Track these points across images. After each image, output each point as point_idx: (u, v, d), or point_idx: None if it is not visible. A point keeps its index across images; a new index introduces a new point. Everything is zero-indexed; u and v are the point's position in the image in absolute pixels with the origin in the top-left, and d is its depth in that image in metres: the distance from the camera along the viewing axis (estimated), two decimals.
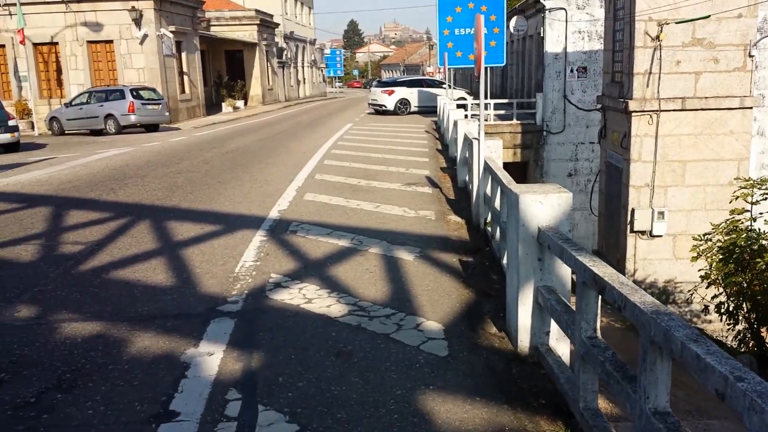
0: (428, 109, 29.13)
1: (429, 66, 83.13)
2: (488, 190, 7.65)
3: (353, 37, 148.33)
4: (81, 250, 6.86)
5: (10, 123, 17.37)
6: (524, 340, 4.32)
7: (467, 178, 10.95)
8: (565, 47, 23.78)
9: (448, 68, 25.50)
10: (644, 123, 15.37)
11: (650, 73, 15.18)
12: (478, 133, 7.74)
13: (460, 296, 5.44)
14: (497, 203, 6.97)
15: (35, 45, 27.11)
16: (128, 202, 9.53)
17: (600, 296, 3.24)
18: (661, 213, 15.58)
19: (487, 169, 7.50)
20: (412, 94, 30.13)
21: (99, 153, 16.30)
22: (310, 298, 5.32)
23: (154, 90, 24.76)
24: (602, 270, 3.17)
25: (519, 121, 24.42)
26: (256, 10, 42.26)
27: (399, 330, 4.63)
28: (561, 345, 4.24)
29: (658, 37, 15.04)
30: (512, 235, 4.43)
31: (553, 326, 4.19)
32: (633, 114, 15.25)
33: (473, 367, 4.10)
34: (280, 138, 19.72)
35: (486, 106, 25.71)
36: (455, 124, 13.99)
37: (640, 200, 15.72)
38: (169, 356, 4.23)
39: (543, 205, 4.18)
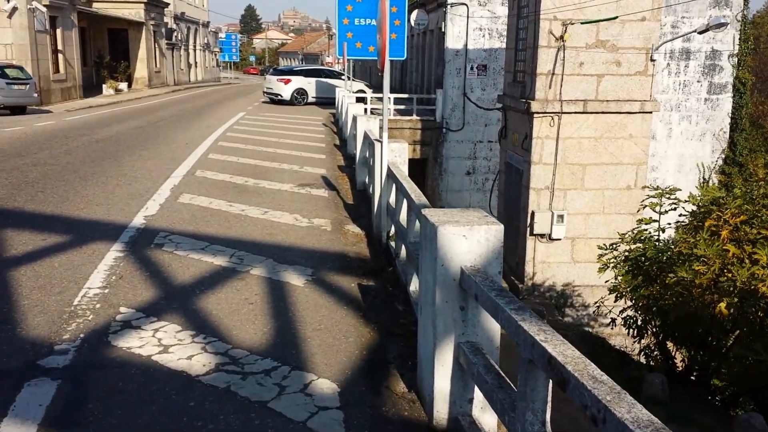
0: (326, 101, 28.00)
1: (328, 56, 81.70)
2: (392, 201, 6.71)
3: (251, 23, 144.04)
4: None
5: None
6: (441, 410, 3.38)
7: (367, 181, 10.00)
8: (466, 44, 23.33)
9: (348, 59, 24.50)
10: (546, 125, 15.02)
11: (553, 74, 14.83)
12: (381, 135, 6.77)
13: (360, 337, 4.44)
14: (403, 217, 6.03)
15: None
16: None
17: (553, 384, 2.33)
18: (561, 216, 15.34)
19: (391, 176, 6.55)
20: (309, 84, 28.86)
21: None
22: (167, 344, 4.14)
23: (21, 68, 22.12)
24: (561, 350, 2.25)
25: (419, 117, 23.78)
26: None
27: (281, 395, 3.56)
28: (487, 416, 3.34)
29: (562, 37, 14.67)
30: (427, 275, 3.48)
31: (478, 392, 3.29)
32: (535, 115, 14.85)
33: None
34: (162, 126, 17.97)
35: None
36: (354, 119, 13.00)
37: (540, 203, 15.41)
38: None
39: (467, 240, 3.25)
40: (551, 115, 14.92)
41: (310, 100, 28.80)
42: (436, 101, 23.62)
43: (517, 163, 16.15)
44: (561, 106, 14.67)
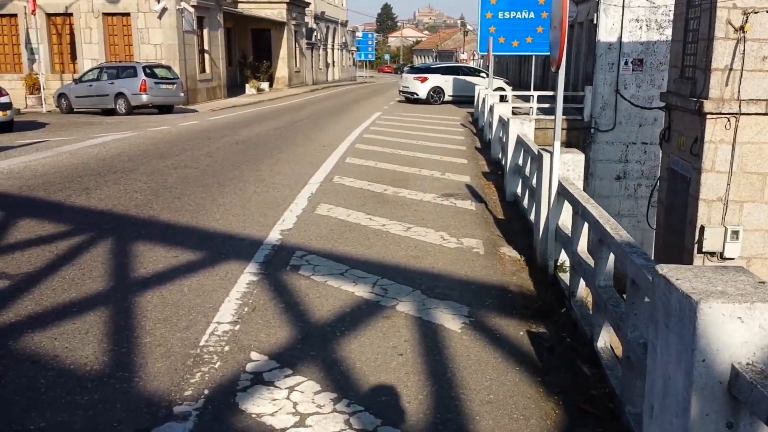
0: (463, 99, 26.92)
1: (463, 53, 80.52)
2: (563, 223, 5.62)
3: (386, 21, 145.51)
4: (1, 290, 4.99)
5: (2, 100, 15.61)
6: None
7: (519, 192, 8.92)
8: (621, 37, 21.38)
9: (484, 55, 23.28)
10: (720, 127, 13.16)
11: (731, 69, 12.95)
12: (553, 144, 5.69)
13: (544, 418, 3.42)
14: (581, 246, 4.94)
15: (48, 15, 25.43)
16: (97, 208, 7.65)
17: None
18: (735, 232, 13.43)
19: (565, 195, 5.47)
20: (446, 82, 27.90)
21: (97, 137, 14.51)
22: (303, 412, 3.35)
23: (169, 68, 22.92)
24: None
25: (564, 116, 22.11)
26: None
27: None
28: None
29: (742, 27, 12.79)
30: (671, 367, 2.42)
31: None
32: (708, 116, 13.04)
33: None
34: (301, 126, 17.77)
35: (528, 99, 23.51)
36: (501, 121, 11.92)
37: (711, 216, 13.55)
38: None
39: (745, 326, 2.16)
40: (727, 116, 13.06)
41: (447, 98, 27.85)
42: (585, 99, 21.87)
43: (683, 170, 14.32)
44: (739, 106, 12.80)
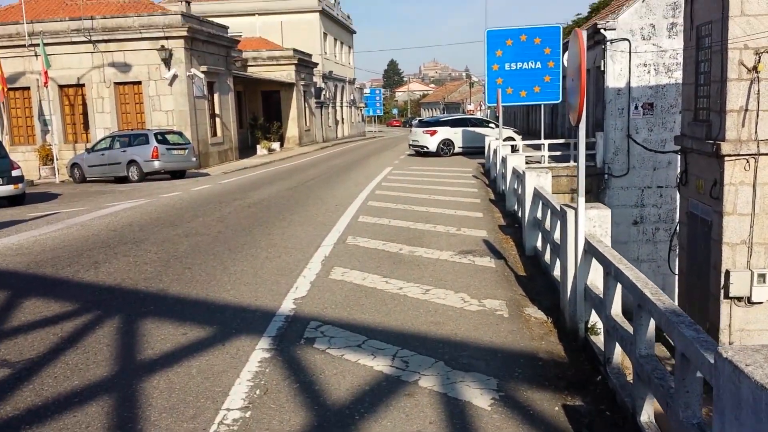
0: (473, 150, 26.86)
1: (470, 104, 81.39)
2: (592, 283, 5.31)
3: (393, 77, 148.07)
4: (0, 381, 4.72)
5: (14, 173, 15.66)
6: None
7: (539, 246, 8.62)
8: (629, 82, 21.37)
9: (492, 106, 23.32)
10: (739, 169, 12.92)
11: (746, 110, 12.79)
12: (576, 199, 5.43)
13: None
14: (615, 309, 4.62)
15: (61, 87, 25.94)
16: (106, 284, 7.42)
17: None
18: (762, 275, 13.05)
19: (593, 253, 5.17)
20: (456, 134, 27.91)
21: (109, 207, 14.43)
22: None
23: (180, 134, 23.11)
24: None
25: (576, 163, 21.90)
26: (294, 50, 40.94)
27: None
28: None
29: (755, 67, 12.69)
30: None
31: None
32: (726, 158, 12.82)
33: None
34: (313, 185, 17.67)
35: (539, 147, 23.39)
36: (516, 173, 11.70)
37: (736, 260, 13.17)
38: None
39: None
40: (746, 157, 12.84)
41: (457, 150, 27.82)
42: (596, 145, 21.73)
43: (704, 214, 13.99)
44: (758, 146, 12.57)
